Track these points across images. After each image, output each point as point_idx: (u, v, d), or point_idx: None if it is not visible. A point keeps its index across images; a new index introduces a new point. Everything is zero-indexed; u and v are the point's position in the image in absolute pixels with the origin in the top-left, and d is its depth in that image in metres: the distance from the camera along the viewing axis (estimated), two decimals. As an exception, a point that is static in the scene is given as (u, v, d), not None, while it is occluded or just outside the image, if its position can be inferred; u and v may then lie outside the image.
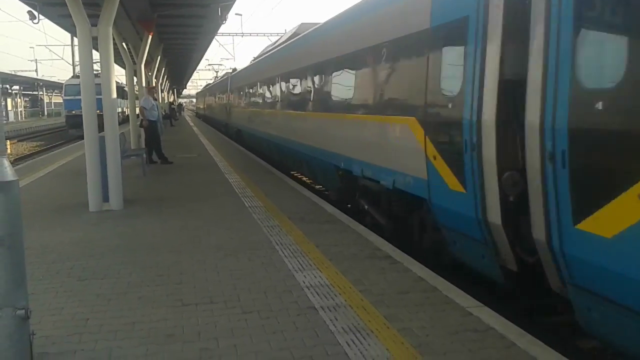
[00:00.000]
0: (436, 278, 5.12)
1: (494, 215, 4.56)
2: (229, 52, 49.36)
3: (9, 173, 3.39)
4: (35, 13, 14.29)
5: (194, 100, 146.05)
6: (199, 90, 70.87)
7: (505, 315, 4.36)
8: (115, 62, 10.45)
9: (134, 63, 20.12)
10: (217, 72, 59.83)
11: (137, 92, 20.56)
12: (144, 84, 20.21)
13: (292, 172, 15.01)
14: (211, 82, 56.07)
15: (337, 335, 3.88)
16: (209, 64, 66.07)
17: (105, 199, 8.72)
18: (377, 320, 4.14)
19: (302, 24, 14.88)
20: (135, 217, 8.06)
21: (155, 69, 26.38)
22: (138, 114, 16.41)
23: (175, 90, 68.27)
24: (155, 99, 15.85)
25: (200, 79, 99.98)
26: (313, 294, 4.71)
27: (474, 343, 3.74)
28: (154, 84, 25.14)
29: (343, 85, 8.86)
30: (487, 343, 3.74)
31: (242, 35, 44.97)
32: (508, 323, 4.08)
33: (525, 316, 5.67)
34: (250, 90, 19.75)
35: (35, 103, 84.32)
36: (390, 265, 5.52)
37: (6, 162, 3.40)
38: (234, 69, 31.53)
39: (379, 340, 3.80)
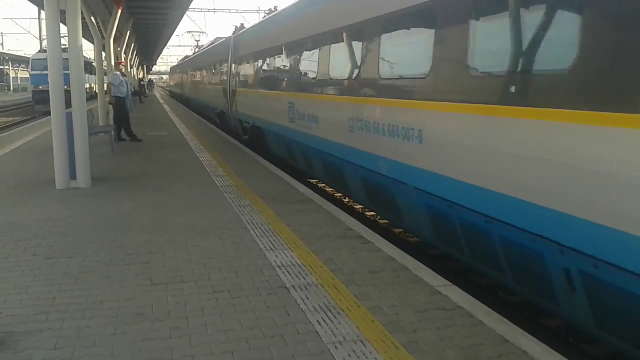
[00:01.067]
0: (406, 257, 5.18)
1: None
2: (199, 27, 48.36)
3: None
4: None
5: (164, 77, 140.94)
6: (176, 63, 55.79)
7: (473, 294, 4.44)
8: (84, 36, 10.16)
9: (103, 38, 19.66)
10: (197, 41, 49.95)
11: (105, 68, 20.12)
12: (112, 60, 19.79)
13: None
14: (191, 53, 44.75)
15: (307, 314, 3.90)
16: (188, 31, 62.78)
17: (73, 176, 8.55)
18: (348, 299, 4.17)
19: None
20: (103, 196, 7.93)
21: (125, 44, 25.81)
22: (106, 91, 15.97)
23: (145, 66, 66.99)
24: (124, 75, 15.52)
25: (170, 54, 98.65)
26: (284, 273, 4.71)
27: (443, 321, 3.80)
28: (122, 60, 24.63)
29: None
30: (455, 321, 3.81)
31: (215, 11, 44.13)
32: (475, 301, 4.15)
33: (493, 294, 5.80)
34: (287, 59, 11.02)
35: (0, 77, 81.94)
36: (362, 245, 5.56)
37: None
38: (240, 26, 19.55)
39: (350, 318, 3.84)
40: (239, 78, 16.26)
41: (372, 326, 3.73)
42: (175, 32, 42.65)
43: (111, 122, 16.13)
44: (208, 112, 24.01)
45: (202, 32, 55.64)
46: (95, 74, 33.13)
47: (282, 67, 11.51)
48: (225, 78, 18.39)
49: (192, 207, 7.18)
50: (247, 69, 15.16)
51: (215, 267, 4.87)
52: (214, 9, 45.34)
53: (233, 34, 18.87)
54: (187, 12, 26.47)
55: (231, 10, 59.21)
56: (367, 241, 5.70)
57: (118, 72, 15.06)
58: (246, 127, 15.07)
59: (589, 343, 4.77)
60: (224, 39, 21.49)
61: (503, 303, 5.57)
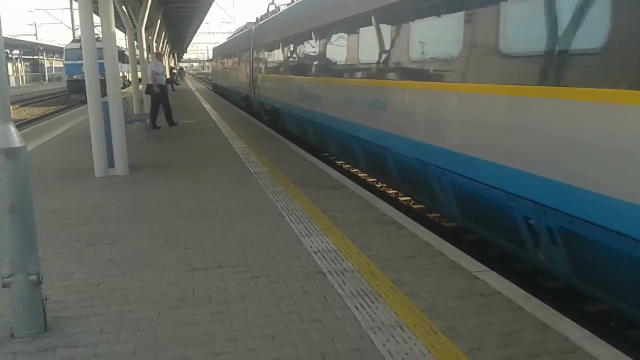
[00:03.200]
0: (443, 243, 5.15)
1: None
2: (228, 14, 48.22)
3: (16, 139, 3.38)
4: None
5: (195, 64, 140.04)
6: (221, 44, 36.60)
7: (511, 280, 4.41)
8: (115, 26, 10.28)
9: (134, 27, 19.87)
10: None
11: (138, 56, 20.38)
12: (144, 48, 20.01)
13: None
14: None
15: (345, 299, 3.92)
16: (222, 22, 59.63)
17: (111, 164, 8.73)
18: (385, 285, 4.18)
19: None
20: (141, 183, 8.08)
21: (156, 33, 26.06)
22: (148, 80, 16.07)
23: (175, 54, 67.59)
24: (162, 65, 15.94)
25: (200, 42, 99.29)
26: (320, 259, 4.74)
27: (481, 307, 3.78)
28: (155, 49, 24.90)
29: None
30: (494, 307, 3.78)
31: (243, -2, 44.00)
32: (515, 287, 4.11)
33: (532, 280, 5.73)
34: None
35: (35, 67, 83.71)
36: (397, 231, 5.55)
37: (13, 129, 3.39)
38: (260, 17, 20.50)
39: (387, 304, 3.85)
40: (259, 64, 18.01)
41: (410, 312, 3.73)
42: (205, 20, 42.76)
43: (146, 110, 16.37)
44: (235, 97, 25.40)
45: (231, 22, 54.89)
46: (127, 63, 33.58)
47: (292, 55, 13.36)
48: (248, 65, 20.08)
49: (227, 193, 7.26)
50: (265, 57, 16.99)
51: (253, 253, 4.93)
52: (243, -5, 45.45)
53: (254, 24, 20.44)
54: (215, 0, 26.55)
55: (260, -3, 59.12)
56: (402, 227, 5.68)
57: (159, 62, 15.53)
58: (267, 109, 16.89)
59: (630, 328, 4.69)
60: (247, 30, 22.56)
61: (542, 289, 5.50)
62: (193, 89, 41.61)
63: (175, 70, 46.93)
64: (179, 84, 44.32)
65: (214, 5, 31.64)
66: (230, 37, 32.71)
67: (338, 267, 4.56)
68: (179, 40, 52.27)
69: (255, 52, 18.93)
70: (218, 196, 7.12)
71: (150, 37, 24.80)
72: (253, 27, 19.88)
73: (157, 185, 7.87)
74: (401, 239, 5.28)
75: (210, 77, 57.61)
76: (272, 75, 15.89)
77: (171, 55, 58.50)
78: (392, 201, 8.85)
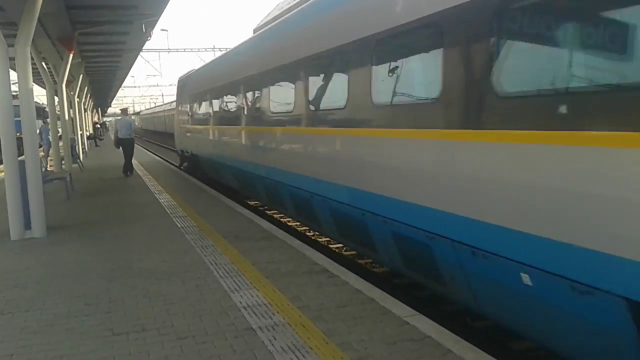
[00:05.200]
0: (373, 290, 5.16)
1: None
2: (155, 68, 47.89)
3: None
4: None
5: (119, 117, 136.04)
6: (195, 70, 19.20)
7: (441, 322, 4.45)
8: (35, 82, 9.98)
9: (55, 83, 19.36)
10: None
11: (58, 112, 19.77)
12: (65, 104, 19.48)
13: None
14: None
15: (276, 356, 3.82)
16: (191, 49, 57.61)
17: (28, 226, 8.29)
18: (316, 337, 4.12)
19: None
20: (60, 244, 7.70)
21: (78, 88, 25.47)
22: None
23: (99, 109, 66.15)
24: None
25: (125, 96, 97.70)
26: (250, 314, 4.63)
27: (412, 352, 3.78)
28: (77, 104, 24.33)
29: None
30: (425, 351, 3.79)
31: (169, 51, 44.10)
32: (443, 330, 4.15)
33: (461, 321, 5.82)
34: None
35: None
36: (328, 279, 5.52)
37: None
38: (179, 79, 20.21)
39: (319, 357, 3.78)
40: (179, 117, 19.95)
41: (342, 363, 3.68)
42: (130, 73, 42.29)
43: (67, 167, 15.88)
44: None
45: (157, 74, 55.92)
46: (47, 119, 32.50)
47: (202, 108, 15.38)
48: (174, 117, 22.17)
49: (153, 251, 7.02)
50: (183, 109, 18.75)
51: (179, 313, 4.75)
52: (168, 48, 45.13)
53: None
54: (141, 53, 26.30)
55: (186, 50, 59.07)
56: (333, 275, 5.67)
57: (127, 117, 16.99)
58: (186, 155, 18.66)
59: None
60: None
61: (470, 329, 5.59)
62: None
63: (98, 125, 45.78)
64: (102, 139, 43.21)
65: (139, 59, 31.33)
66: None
67: (268, 321, 4.46)
68: (103, 95, 51.29)
69: (178, 105, 20.34)
70: (143, 254, 6.88)
71: (72, 93, 24.19)
72: (178, 83, 20.88)
73: (78, 246, 7.52)
74: (332, 288, 5.25)
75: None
76: (187, 125, 17.77)
77: (94, 110, 57.25)
78: (324, 248, 8.84)
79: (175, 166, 21.08)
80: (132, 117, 18.89)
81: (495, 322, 4.89)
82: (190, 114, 17.23)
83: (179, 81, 20.20)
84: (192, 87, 17.16)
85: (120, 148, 16.74)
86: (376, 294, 5.02)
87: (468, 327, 5.67)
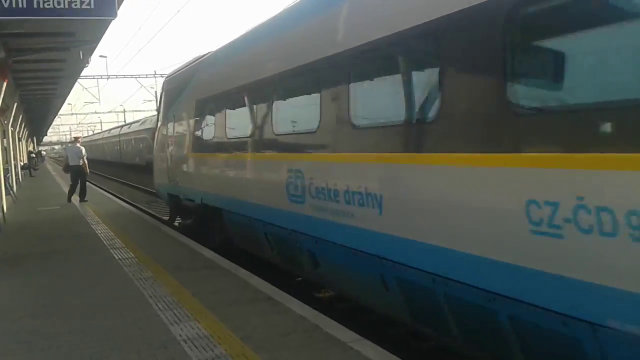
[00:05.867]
0: (317, 316, 5.10)
1: None
2: (93, 95, 46.44)
3: None
4: None
5: (56, 147, 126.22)
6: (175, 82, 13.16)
7: (385, 345, 4.43)
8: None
9: (-14, 112, 18.55)
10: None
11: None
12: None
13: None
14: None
15: (217, 389, 3.69)
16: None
17: (-48, 263, 7.81)
18: (259, 368, 4.01)
19: None
20: (-11, 281, 7.27)
21: (12, 117, 24.48)
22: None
23: (34, 138, 63.84)
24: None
25: (62, 124, 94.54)
26: (191, 348, 4.47)
27: (357, 379, 3.74)
28: (10, 134, 23.41)
29: None
30: (369, 377, 3.75)
31: (108, 78, 43.22)
32: (388, 354, 4.13)
33: (405, 343, 5.82)
34: None
35: None
36: (272, 307, 5.42)
37: None
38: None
39: (262, 388, 3.67)
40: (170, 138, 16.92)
41: (286, 394, 3.59)
42: (67, 101, 41.08)
43: (1, 202, 15.14)
44: None
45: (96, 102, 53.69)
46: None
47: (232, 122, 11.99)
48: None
49: (88, 285, 6.73)
50: (185, 127, 16.11)
51: (115, 349, 4.53)
52: (107, 75, 44.10)
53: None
54: (78, 80, 25.58)
55: (126, 76, 58.18)
56: (277, 302, 5.58)
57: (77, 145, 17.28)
58: (188, 206, 14.02)
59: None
60: None
61: (415, 350, 5.60)
62: (53, 172, 39.25)
63: (33, 155, 44.06)
64: (37, 169, 41.59)
65: (77, 86, 30.39)
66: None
67: (209, 354, 4.32)
68: (38, 123, 49.57)
69: (164, 122, 15.60)
70: (77, 289, 6.57)
71: (5, 122, 23.23)
72: (163, 86, 15.53)
73: (7, 283, 7.11)
74: (276, 316, 5.16)
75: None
76: (190, 153, 14.07)
77: (29, 139, 55.24)
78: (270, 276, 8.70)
79: (142, 210, 16.83)
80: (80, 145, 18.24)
81: (437, 343, 4.91)
82: (196, 133, 10.44)
83: (165, 83, 13.54)
84: (202, 88, 10.23)
85: (69, 174, 17.25)
86: (320, 320, 4.97)
87: (412, 348, 5.68)
